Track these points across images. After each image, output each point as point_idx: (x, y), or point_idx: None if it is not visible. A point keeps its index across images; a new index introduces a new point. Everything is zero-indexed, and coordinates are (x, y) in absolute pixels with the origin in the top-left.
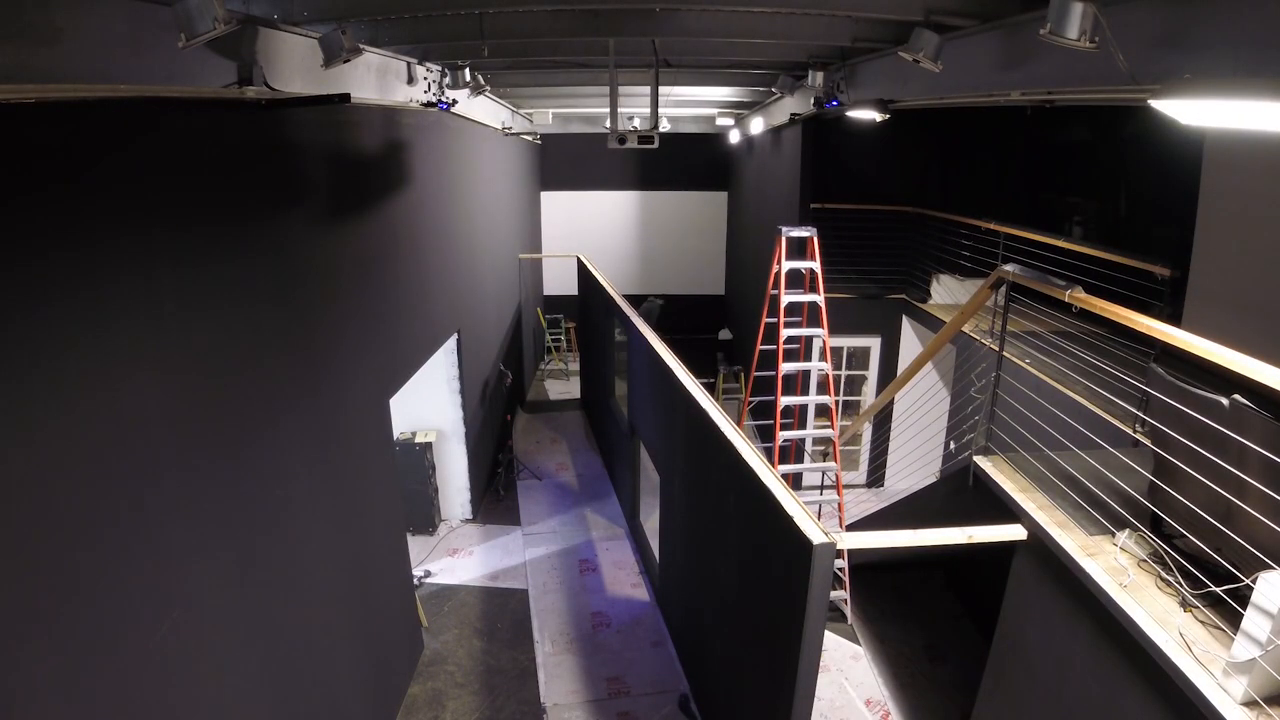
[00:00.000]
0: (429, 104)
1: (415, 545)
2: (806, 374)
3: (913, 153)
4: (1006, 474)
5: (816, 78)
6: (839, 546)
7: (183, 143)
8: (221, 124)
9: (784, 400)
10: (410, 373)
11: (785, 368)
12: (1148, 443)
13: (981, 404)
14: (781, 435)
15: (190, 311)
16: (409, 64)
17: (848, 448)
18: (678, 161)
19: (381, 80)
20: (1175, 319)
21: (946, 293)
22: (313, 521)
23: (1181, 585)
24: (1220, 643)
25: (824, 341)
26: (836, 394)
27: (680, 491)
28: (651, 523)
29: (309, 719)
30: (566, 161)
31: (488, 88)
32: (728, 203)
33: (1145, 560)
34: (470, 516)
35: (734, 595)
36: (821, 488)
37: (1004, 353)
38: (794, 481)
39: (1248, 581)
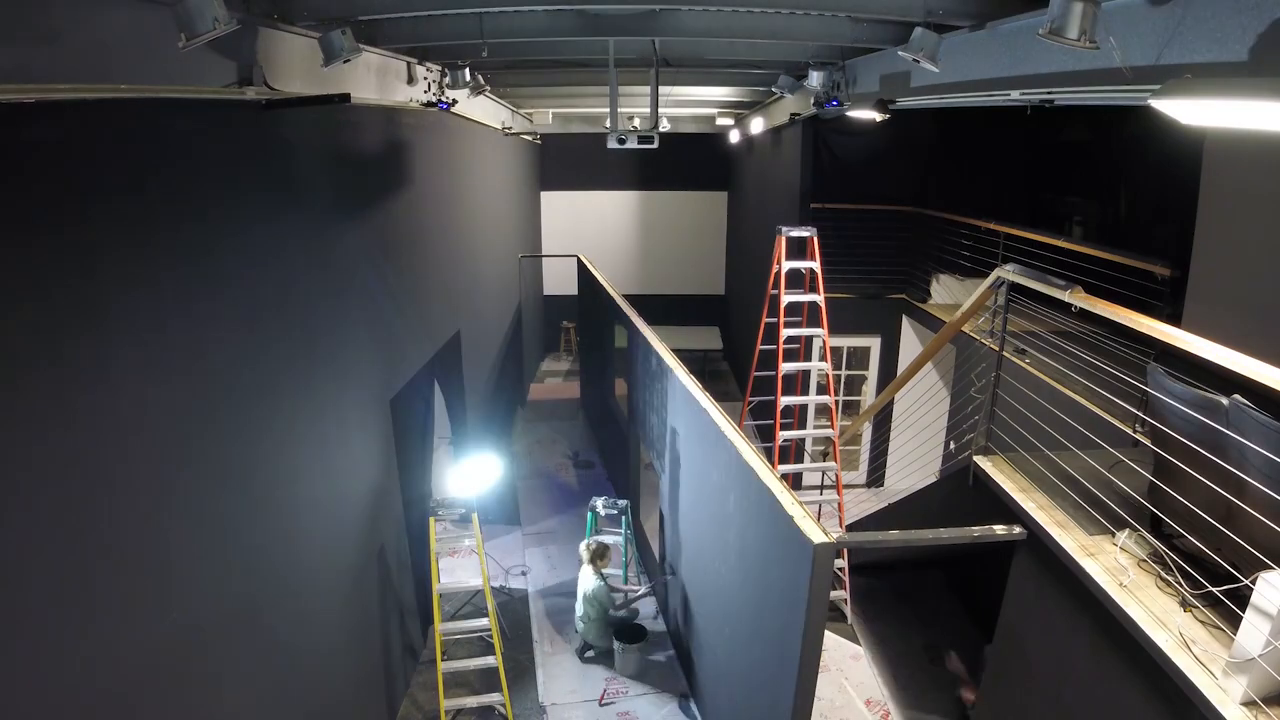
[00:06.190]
0: (429, 104)
1: None
2: (806, 374)
3: (913, 153)
4: (1006, 474)
5: (816, 78)
6: (839, 546)
7: (183, 143)
8: (221, 124)
9: (784, 400)
10: (411, 372)
11: (785, 368)
12: (1148, 443)
13: (981, 404)
14: (781, 435)
15: (191, 312)
16: (409, 64)
17: (848, 448)
18: (678, 161)
19: (381, 80)
20: (1175, 319)
21: (946, 293)
22: (315, 521)
23: (1181, 585)
24: (1220, 643)
25: (824, 341)
26: (836, 394)
27: (680, 491)
28: (651, 522)
29: (310, 718)
30: (566, 161)
31: (488, 88)
32: (728, 203)
33: (1145, 560)
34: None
35: (734, 595)
36: (821, 488)
37: (1004, 352)
38: (794, 481)
39: (1247, 582)
